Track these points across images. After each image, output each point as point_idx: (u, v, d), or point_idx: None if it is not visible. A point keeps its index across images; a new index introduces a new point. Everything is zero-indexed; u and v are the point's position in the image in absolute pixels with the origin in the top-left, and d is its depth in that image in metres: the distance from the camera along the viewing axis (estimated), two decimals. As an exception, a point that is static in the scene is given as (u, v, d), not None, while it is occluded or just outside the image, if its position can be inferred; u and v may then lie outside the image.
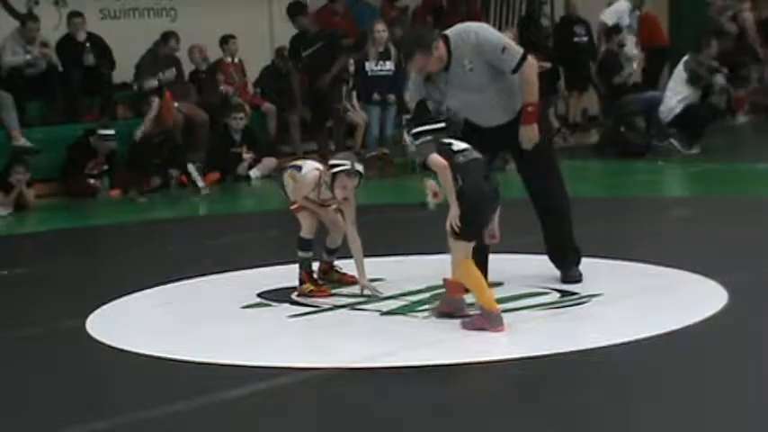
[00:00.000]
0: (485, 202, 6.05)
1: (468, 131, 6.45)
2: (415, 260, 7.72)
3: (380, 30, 14.37)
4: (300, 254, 7.04)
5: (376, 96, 14.22)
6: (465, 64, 6.69)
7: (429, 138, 6.15)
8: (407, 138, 6.24)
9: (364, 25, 15.88)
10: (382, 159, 13.95)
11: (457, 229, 5.94)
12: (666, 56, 17.46)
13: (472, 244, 6.06)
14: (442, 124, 6.25)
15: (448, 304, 6.25)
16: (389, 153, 14.05)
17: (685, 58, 14.50)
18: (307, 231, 7.05)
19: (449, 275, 6.22)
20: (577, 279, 6.93)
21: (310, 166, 7.13)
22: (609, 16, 15.65)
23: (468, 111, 6.70)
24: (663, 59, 17.46)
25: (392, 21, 16.06)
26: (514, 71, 6.70)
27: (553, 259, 7.06)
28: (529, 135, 6.78)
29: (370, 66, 14.24)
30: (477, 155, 6.13)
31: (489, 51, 6.68)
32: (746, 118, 17.90)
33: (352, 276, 7.11)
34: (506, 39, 6.95)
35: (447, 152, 6.08)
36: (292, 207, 7.14)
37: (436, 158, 6.03)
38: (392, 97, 14.11)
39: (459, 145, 6.14)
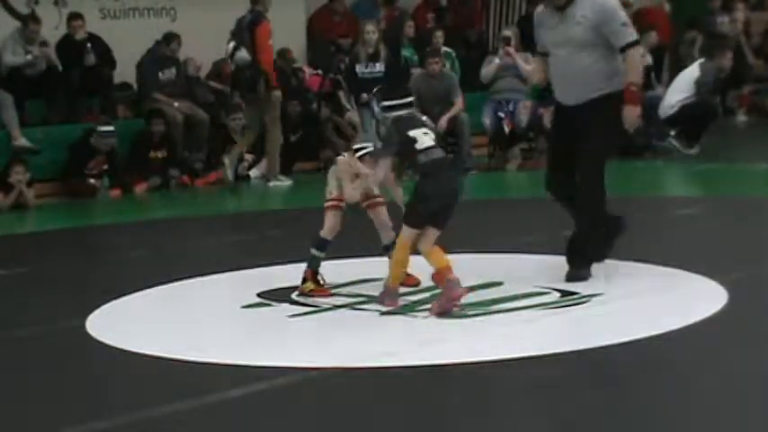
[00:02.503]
0: (435, 198, 6.36)
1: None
2: (414, 260, 7.71)
3: (370, 31, 14.25)
4: (313, 251, 7.01)
5: (365, 97, 14.13)
6: (576, 14, 6.88)
7: (400, 112, 6.52)
8: (376, 108, 6.48)
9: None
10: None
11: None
12: (665, 52, 17.45)
13: (416, 231, 6.38)
14: (410, 99, 6.63)
15: (445, 302, 6.29)
16: None
17: (701, 60, 14.48)
18: (328, 232, 7.00)
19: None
20: (580, 280, 6.92)
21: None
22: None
23: (557, 73, 7.03)
24: (663, 56, 17.44)
25: (395, 19, 16.06)
26: (623, 49, 6.90)
27: (567, 254, 7.08)
28: (631, 115, 6.96)
29: (360, 68, 14.15)
30: (440, 154, 6.45)
31: (609, 19, 6.91)
32: (746, 117, 17.90)
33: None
34: (628, 19, 7.15)
35: (410, 149, 6.39)
36: (327, 204, 7.03)
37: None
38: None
39: (423, 143, 6.41)
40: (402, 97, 6.65)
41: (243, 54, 13.27)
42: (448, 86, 13.70)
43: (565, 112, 7.08)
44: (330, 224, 6.99)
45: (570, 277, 6.95)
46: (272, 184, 13.33)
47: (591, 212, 7.03)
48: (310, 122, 14.64)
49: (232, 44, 13.37)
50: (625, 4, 17.59)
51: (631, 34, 6.97)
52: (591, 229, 7.04)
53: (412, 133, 6.42)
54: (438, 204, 6.37)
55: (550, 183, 7.18)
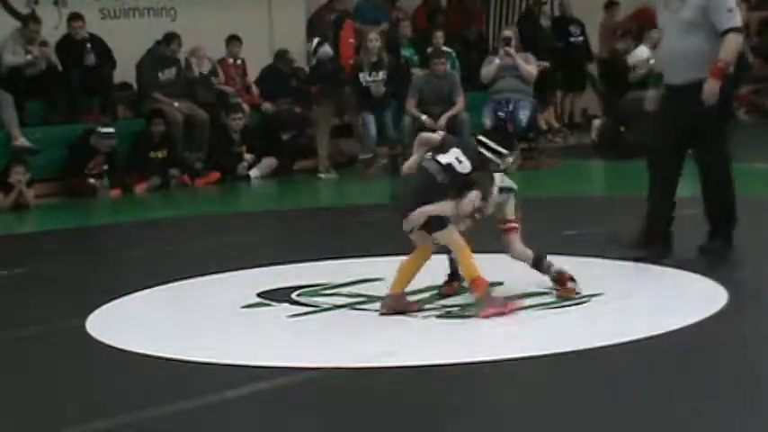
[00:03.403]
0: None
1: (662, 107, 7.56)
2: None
3: (373, 39, 14.28)
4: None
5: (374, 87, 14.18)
6: None
7: (490, 156, 6.36)
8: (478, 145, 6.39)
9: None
10: (392, 159, 13.96)
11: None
12: None
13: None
14: (508, 152, 6.43)
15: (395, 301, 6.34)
16: (399, 151, 14.09)
17: None
18: (521, 256, 6.65)
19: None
20: (713, 252, 7.56)
21: None
22: (633, 59, 15.79)
23: (665, 52, 7.64)
24: None
25: (397, 18, 16.08)
26: (724, 33, 7.27)
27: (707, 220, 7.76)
28: (711, 88, 7.29)
29: (363, 77, 14.18)
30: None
31: (717, 3, 7.33)
32: (746, 117, 17.89)
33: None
34: (736, 5, 7.51)
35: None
36: (506, 227, 6.63)
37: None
38: (382, 88, 14.06)
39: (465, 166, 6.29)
40: (505, 146, 6.45)
41: (326, 49, 14.29)
42: (451, 86, 13.72)
43: (672, 91, 7.55)
44: (519, 248, 6.60)
45: (703, 249, 7.56)
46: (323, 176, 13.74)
47: (722, 185, 7.62)
48: (303, 122, 14.64)
49: (316, 40, 14.32)
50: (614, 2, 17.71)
51: (736, 21, 7.37)
52: (724, 202, 7.64)
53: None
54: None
55: (654, 159, 7.68)
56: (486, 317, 6.09)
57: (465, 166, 6.29)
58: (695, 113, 7.34)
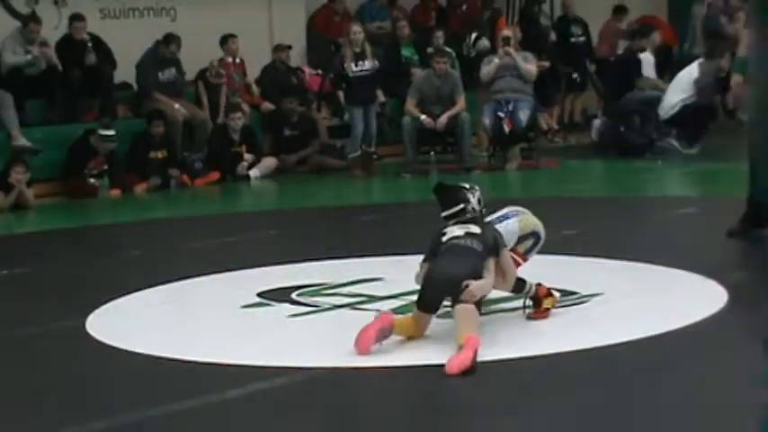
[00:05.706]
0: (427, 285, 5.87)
1: None
2: (415, 260, 7.69)
3: (356, 31, 14.30)
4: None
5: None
6: None
7: (469, 211, 5.99)
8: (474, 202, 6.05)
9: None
10: (369, 159, 13.96)
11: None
12: (671, 55, 17.48)
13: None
14: (461, 204, 6.01)
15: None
16: (375, 152, 14.10)
17: (700, 60, 14.49)
18: None
19: None
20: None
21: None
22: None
23: None
24: (670, 59, 17.44)
25: (397, 18, 16.12)
26: None
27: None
28: None
29: (350, 67, 14.19)
30: (456, 243, 5.89)
31: None
32: (746, 117, 17.88)
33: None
34: None
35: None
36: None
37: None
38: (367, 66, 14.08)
39: (452, 233, 5.95)
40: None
41: (484, 42, 16.21)
42: (452, 86, 13.72)
43: None
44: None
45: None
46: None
47: None
48: (306, 121, 14.66)
49: (474, 34, 16.40)
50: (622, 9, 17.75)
51: None
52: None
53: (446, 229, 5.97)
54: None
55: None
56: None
57: (474, 227, 5.90)
58: None
